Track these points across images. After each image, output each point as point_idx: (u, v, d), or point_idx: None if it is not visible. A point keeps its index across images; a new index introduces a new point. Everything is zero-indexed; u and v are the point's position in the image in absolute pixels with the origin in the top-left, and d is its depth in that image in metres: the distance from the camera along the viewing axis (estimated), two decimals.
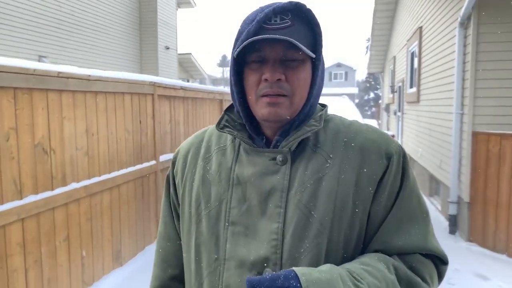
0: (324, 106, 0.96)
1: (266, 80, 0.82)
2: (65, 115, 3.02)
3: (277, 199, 0.83)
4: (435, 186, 6.45)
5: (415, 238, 0.83)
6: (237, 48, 0.81)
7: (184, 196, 0.96)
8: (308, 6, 0.83)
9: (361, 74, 44.92)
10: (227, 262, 0.84)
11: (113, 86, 3.58)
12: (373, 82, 38.13)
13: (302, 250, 0.80)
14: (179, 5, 15.23)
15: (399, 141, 10.51)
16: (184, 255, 0.97)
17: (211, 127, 1.02)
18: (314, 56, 0.82)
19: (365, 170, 0.84)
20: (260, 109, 0.84)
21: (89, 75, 3.23)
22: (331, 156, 0.86)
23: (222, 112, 0.96)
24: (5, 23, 7.64)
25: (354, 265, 0.78)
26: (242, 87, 0.88)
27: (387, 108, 13.87)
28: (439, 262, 0.87)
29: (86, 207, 3.28)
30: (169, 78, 12.74)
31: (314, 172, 0.84)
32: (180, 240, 1.00)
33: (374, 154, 0.85)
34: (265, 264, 0.81)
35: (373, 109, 34.76)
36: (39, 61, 8.40)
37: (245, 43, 0.78)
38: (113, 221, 3.67)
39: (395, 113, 11.66)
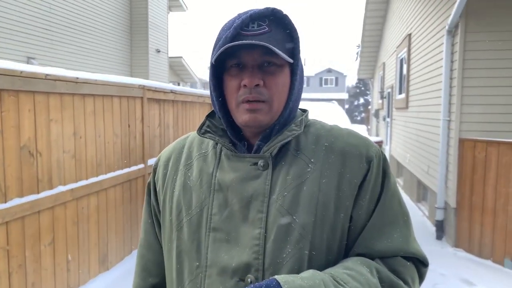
0: (304, 111, 0.96)
1: (245, 85, 0.82)
2: (52, 117, 2.99)
3: (258, 204, 0.83)
4: (423, 191, 6.51)
5: (397, 242, 0.84)
6: (215, 54, 0.81)
7: (165, 203, 0.95)
8: (284, 12, 0.84)
9: (351, 80, 45.23)
10: (209, 269, 0.84)
11: (102, 89, 3.56)
12: (363, 88, 38.45)
13: (284, 256, 0.80)
14: (170, 8, 15.22)
15: (388, 147, 10.60)
16: (165, 262, 0.95)
17: (193, 133, 1.02)
18: (291, 61, 0.83)
19: (346, 174, 0.85)
20: (241, 116, 0.85)
21: (77, 78, 3.21)
22: (312, 160, 0.86)
23: (205, 118, 0.95)
24: None
25: (337, 270, 0.78)
26: (222, 92, 0.89)
27: (376, 114, 13.98)
28: (420, 264, 0.89)
29: (73, 211, 3.25)
30: (160, 81, 12.71)
31: (295, 177, 0.84)
32: (161, 248, 0.99)
33: (355, 158, 0.86)
34: (247, 270, 0.80)
35: (363, 114, 35.03)
36: (27, 62, 8.32)
37: (222, 49, 0.79)
38: (100, 225, 3.63)
39: (384, 119, 11.76)
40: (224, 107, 0.89)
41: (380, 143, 4.95)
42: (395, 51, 9.34)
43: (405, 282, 0.83)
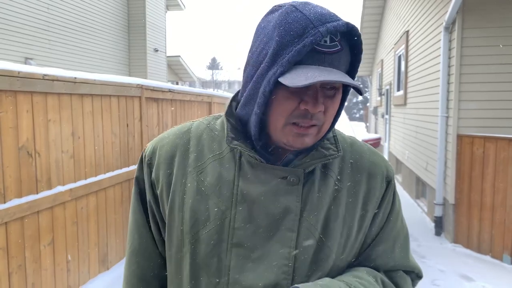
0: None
1: (306, 109, 0.73)
2: (50, 117, 2.99)
3: (290, 223, 0.78)
4: (422, 188, 6.52)
5: (399, 257, 0.89)
6: (285, 71, 0.71)
7: (173, 210, 0.84)
8: (359, 31, 0.75)
9: None
10: (230, 287, 0.79)
11: (100, 88, 3.56)
12: (361, 85, 38.42)
13: (311, 275, 0.80)
14: (168, 7, 15.19)
15: (387, 144, 10.61)
16: (171, 275, 0.87)
17: (195, 124, 0.90)
18: (359, 86, 0.74)
19: (370, 194, 0.85)
20: (286, 136, 0.76)
21: (75, 78, 3.21)
22: (339, 178, 0.84)
23: (223, 117, 0.86)
24: None
25: (348, 278, 0.81)
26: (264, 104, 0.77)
27: (375, 111, 13.99)
28: (415, 276, 0.94)
29: (72, 211, 3.25)
30: (159, 81, 12.70)
31: (324, 195, 0.82)
32: (159, 255, 0.91)
33: (378, 178, 0.87)
34: None
35: (362, 111, 35.04)
36: (25, 63, 8.31)
37: (310, 82, 0.66)
38: (100, 225, 3.64)
39: (382, 116, 11.77)
40: (260, 124, 0.78)
41: (378, 140, 4.96)
42: (393, 48, 9.34)
43: None
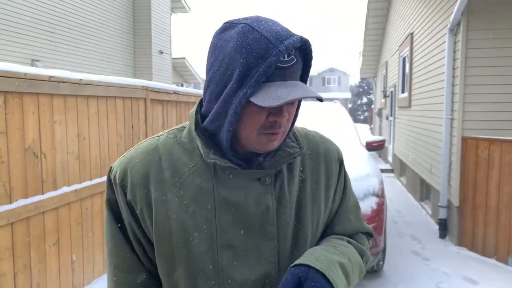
0: None
1: (274, 120, 0.81)
2: (56, 119, 3.02)
3: (270, 219, 0.87)
4: (426, 190, 6.50)
5: (356, 223, 1.04)
6: (253, 92, 0.77)
7: (159, 230, 0.86)
8: (310, 44, 0.83)
9: (354, 79, 45.16)
10: (227, 285, 0.86)
11: (105, 90, 3.58)
12: (366, 87, 38.36)
13: (293, 259, 0.88)
14: (173, 10, 15.26)
15: (391, 146, 10.59)
16: (167, 285, 0.91)
17: (161, 140, 0.92)
18: (322, 98, 0.83)
19: (329, 177, 0.99)
20: (259, 144, 0.84)
21: (81, 79, 3.24)
22: (301, 169, 0.95)
23: (188, 130, 0.91)
24: None
25: (327, 243, 0.94)
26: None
27: (379, 113, 13.96)
28: (368, 236, 1.09)
29: (77, 211, 3.28)
30: (164, 82, 12.75)
31: (292, 188, 0.92)
32: (144, 269, 0.92)
33: (332, 162, 1.01)
34: (265, 280, 0.87)
35: (366, 113, 34.97)
36: (31, 65, 8.38)
37: (280, 103, 0.74)
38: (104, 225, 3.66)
39: (387, 118, 11.74)
40: (231, 136, 0.85)
41: (382, 142, 4.95)
42: (398, 50, 9.33)
43: (365, 248, 1.05)
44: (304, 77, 0.86)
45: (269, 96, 0.76)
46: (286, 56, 0.78)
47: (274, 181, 0.88)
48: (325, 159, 0.99)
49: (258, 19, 0.81)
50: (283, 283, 0.80)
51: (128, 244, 0.91)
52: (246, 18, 0.82)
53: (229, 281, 0.85)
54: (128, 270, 0.92)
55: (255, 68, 0.76)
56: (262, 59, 0.76)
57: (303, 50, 0.83)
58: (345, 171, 1.03)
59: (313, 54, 0.85)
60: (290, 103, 0.83)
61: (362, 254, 1.01)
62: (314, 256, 0.84)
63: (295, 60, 0.80)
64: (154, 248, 0.89)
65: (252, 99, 0.77)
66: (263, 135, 0.83)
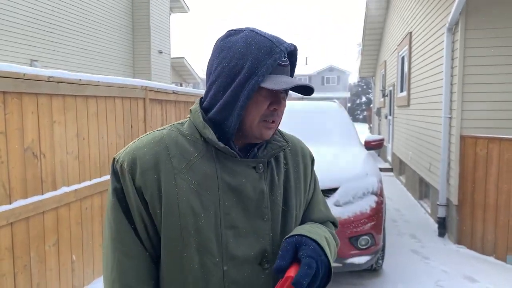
0: None
1: (275, 109, 0.98)
2: (55, 119, 3.02)
3: (265, 201, 1.01)
4: (425, 189, 6.51)
5: (326, 212, 1.21)
6: (259, 78, 0.93)
7: (168, 211, 0.93)
8: (297, 49, 1.03)
9: (353, 78, 45.16)
10: (230, 262, 0.97)
11: (104, 90, 3.59)
12: (365, 86, 38.38)
13: (284, 236, 1.03)
14: (172, 9, 15.25)
15: (390, 145, 10.60)
16: (169, 266, 0.97)
17: (165, 132, 1.01)
18: (308, 96, 1.03)
19: (305, 170, 1.15)
20: (259, 130, 0.99)
21: (80, 79, 3.24)
22: (285, 162, 1.11)
23: (189, 123, 1.03)
24: None
25: (309, 225, 1.09)
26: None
27: (378, 112, 13.97)
28: (334, 226, 1.25)
29: (77, 211, 3.28)
30: (163, 82, 12.74)
31: (280, 177, 1.07)
32: (148, 256, 0.99)
33: (307, 157, 1.18)
34: (263, 255, 1.00)
35: (365, 113, 34.97)
36: (30, 65, 8.37)
37: (288, 86, 0.92)
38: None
39: (386, 117, 11.76)
40: (238, 122, 0.99)
41: (381, 141, 4.96)
42: (396, 49, 9.34)
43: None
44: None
45: (278, 82, 0.93)
46: (283, 57, 0.96)
47: (266, 169, 1.04)
48: (302, 155, 1.16)
49: (255, 29, 0.99)
50: (282, 249, 0.93)
51: (133, 230, 0.97)
52: (247, 27, 1.00)
53: (232, 258, 0.97)
54: (132, 255, 0.97)
55: (263, 62, 0.93)
56: (268, 55, 0.94)
57: (292, 54, 1.03)
58: (313, 167, 1.22)
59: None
60: (283, 98, 1.00)
61: (334, 237, 1.17)
62: (305, 230, 0.98)
63: (287, 61, 0.99)
64: (162, 232, 0.95)
65: (263, 85, 0.92)
66: (264, 122, 0.98)
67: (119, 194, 0.97)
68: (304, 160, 1.16)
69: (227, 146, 0.97)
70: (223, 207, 0.96)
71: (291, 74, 1.04)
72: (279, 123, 1.03)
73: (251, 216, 0.99)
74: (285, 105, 1.01)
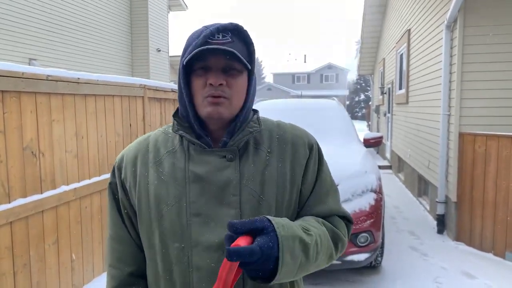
0: (255, 111, 1.15)
1: (210, 84, 0.98)
2: (54, 118, 3.02)
3: (232, 189, 1.00)
4: (424, 186, 6.52)
5: (331, 205, 1.11)
6: (187, 57, 0.97)
7: (140, 198, 1.04)
8: (245, 28, 1.02)
9: (352, 76, 45.14)
10: (195, 248, 0.99)
11: (103, 88, 3.58)
12: (363, 84, 38.39)
13: None
14: (170, 7, 15.22)
15: (389, 142, 10.61)
16: (146, 251, 1.06)
17: (153, 133, 1.14)
18: (250, 67, 1.00)
19: (296, 159, 1.08)
20: (205, 108, 1.00)
21: (78, 78, 3.24)
22: (269, 150, 1.08)
23: (172, 121, 1.09)
24: None
25: (299, 222, 1.00)
26: (189, 91, 1.03)
27: (377, 110, 13.98)
28: (347, 221, 1.15)
29: (76, 210, 3.28)
30: (161, 80, 12.73)
31: (258, 165, 1.05)
32: (132, 240, 1.10)
33: (301, 146, 1.10)
34: None
35: (364, 110, 34.99)
36: (29, 64, 8.36)
37: (193, 52, 0.95)
38: (104, 224, 3.67)
39: (384, 115, 11.76)
40: (190, 103, 1.03)
41: (380, 139, 4.97)
42: (395, 46, 9.34)
43: (341, 232, 1.10)
44: (250, 62, 1.02)
45: (192, 52, 0.95)
46: (220, 37, 0.97)
47: (240, 157, 1.03)
48: (292, 143, 1.10)
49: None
50: (242, 221, 0.85)
51: (121, 218, 1.10)
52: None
53: (196, 244, 0.98)
54: (120, 241, 1.10)
55: (191, 44, 0.98)
56: (197, 37, 0.98)
57: (237, 32, 1.01)
58: (319, 156, 1.13)
59: (251, 39, 1.02)
60: (231, 76, 0.99)
61: (336, 238, 1.07)
62: (282, 223, 0.90)
63: (230, 40, 0.98)
64: (138, 219, 1.06)
65: (184, 61, 0.97)
66: (205, 99, 0.99)
67: (113, 187, 1.11)
68: (294, 148, 1.09)
69: (193, 138, 1.02)
70: (189, 195, 1.00)
71: (250, 54, 1.03)
72: (238, 104, 1.03)
73: (217, 204, 0.99)
74: (233, 83, 1.00)
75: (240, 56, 0.96)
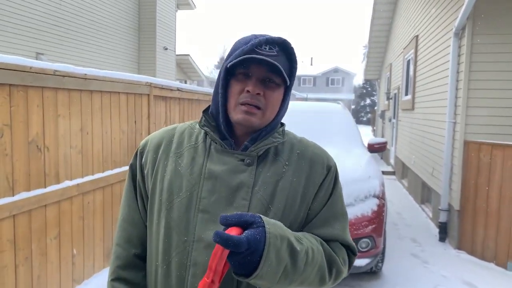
0: (282, 124, 1.17)
1: (248, 91, 1.00)
2: (60, 113, 3.03)
3: (243, 193, 1.01)
4: (427, 193, 6.50)
5: (336, 231, 1.08)
6: (232, 61, 0.99)
7: (155, 184, 1.07)
8: (292, 45, 1.04)
9: (358, 80, 45.05)
10: (196, 243, 0.99)
11: (109, 85, 3.60)
12: (369, 89, 38.29)
13: None
14: (178, 6, 15.26)
15: (393, 148, 10.57)
16: (150, 236, 1.08)
17: (180, 125, 1.17)
18: (288, 83, 1.03)
19: (311, 176, 1.08)
20: (237, 114, 1.02)
21: (85, 74, 3.25)
22: (287, 163, 1.08)
23: (201, 117, 1.11)
24: (2, 19, 7.64)
25: (295, 232, 1.00)
26: (225, 93, 1.05)
27: (382, 115, 13.94)
28: (351, 252, 1.12)
29: (79, 205, 3.29)
30: (167, 79, 12.75)
31: (273, 175, 1.05)
32: (143, 224, 1.12)
33: (319, 165, 1.11)
34: None
35: (369, 115, 34.90)
36: (36, 58, 8.40)
37: (240, 58, 0.97)
38: (106, 220, 3.68)
39: (390, 120, 11.73)
40: (223, 105, 1.05)
41: (384, 144, 4.96)
42: (402, 52, 9.31)
43: (339, 259, 1.07)
44: (290, 78, 1.05)
45: (237, 59, 0.98)
46: (267, 48, 1.00)
47: (257, 164, 1.04)
48: (311, 161, 1.10)
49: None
50: (234, 213, 0.87)
51: (135, 201, 1.13)
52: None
53: (198, 240, 0.99)
54: (130, 222, 1.13)
55: (239, 49, 1.01)
56: (245, 44, 1.01)
57: (284, 47, 1.03)
58: (335, 179, 1.12)
59: (297, 57, 1.05)
60: (269, 88, 1.02)
61: (331, 262, 1.04)
62: (273, 222, 0.91)
63: (276, 54, 1.01)
64: (148, 204, 1.09)
65: (228, 65, 0.99)
66: (240, 105, 1.01)
67: (133, 169, 1.14)
68: (312, 165, 1.09)
69: (217, 137, 1.05)
70: (201, 191, 1.01)
71: (291, 70, 1.05)
72: (270, 116, 1.05)
73: (226, 205, 1.00)
74: (270, 95, 1.02)
75: (282, 69, 0.98)
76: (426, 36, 6.71)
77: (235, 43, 1.06)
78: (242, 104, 1.01)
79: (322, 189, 1.09)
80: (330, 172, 1.11)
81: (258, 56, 0.97)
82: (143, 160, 1.11)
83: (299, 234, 1.00)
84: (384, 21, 12.10)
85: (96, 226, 3.54)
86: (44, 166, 2.89)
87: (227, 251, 0.82)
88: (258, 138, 1.06)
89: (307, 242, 0.98)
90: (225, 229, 0.85)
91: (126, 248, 1.12)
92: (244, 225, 0.86)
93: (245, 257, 0.83)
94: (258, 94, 1.00)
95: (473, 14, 4.47)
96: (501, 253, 4.24)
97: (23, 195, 2.68)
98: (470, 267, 4.20)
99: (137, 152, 1.14)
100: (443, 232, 5.00)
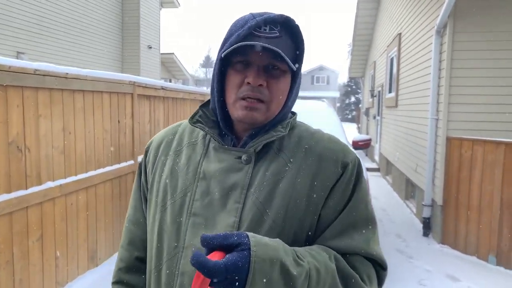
0: (294, 113, 1.02)
1: (248, 83, 0.87)
2: (41, 113, 2.98)
3: (237, 195, 0.88)
4: (411, 189, 6.58)
5: (357, 241, 0.88)
6: (227, 49, 0.85)
7: (153, 184, 1.01)
8: (296, 22, 0.88)
9: (343, 78, 45.37)
10: (185, 250, 0.89)
11: (92, 84, 3.55)
12: (354, 86, 38.61)
13: None
14: (162, 4, 15.14)
15: (377, 145, 10.69)
16: (147, 239, 1.01)
17: (185, 121, 1.07)
18: (295, 68, 0.87)
19: (320, 176, 0.90)
20: (237, 111, 0.90)
21: (67, 73, 3.20)
22: (291, 160, 0.92)
23: (197, 112, 1.00)
24: None
25: (299, 248, 0.83)
26: (222, 85, 0.92)
27: (367, 112, 14.08)
28: (379, 267, 0.92)
29: (61, 207, 3.24)
30: (152, 78, 12.65)
31: (273, 174, 0.90)
32: (146, 225, 1.05)
33: (331, 162, 0.91)
34: None
35: (354, 113, 35.20)
36: (17, 57, 8.23)
37: (235, 45, 0.83)
38: (89, 221, 3.63)
39: (374, 117, 11.85)
40: (221, 100, 0.94)
41: (368, 141, 5.00)
42: (386, 50, 9.41)
43: (361, 278, 0.86)
44: (297, 61, 0.90)
45: (233, 46, 0.84)
46: (267, 29, 0.86)
47: (255, 162, 0.91)
48: (320, 157, 0.92)
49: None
50: (216, 234, 0.72)
51: (140, 201, 1.08)
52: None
53: (187, 246, 0.89)
54: (135, 223, 1.08)
55: (234, 34, 0.87)
56: (242, 27, 0.87)
57: (291, 30, 0.89)
58: (356, 179, 0.92)
59: (302, 36, 0.90)
60: (273, 77, 0.88)
61: (348, 283, 0.83)
62: (264, 242, 0.74)
63: (278, 34, 0.86)
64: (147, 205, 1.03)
65: (223, 54, 0.86)
66: (240, 100, 0.88)
67: (140, 168, 1.08)
68: (321, 163, 0.91)
69: (215, 134, 0.94)
70: (194, 193, 0.91)
71: (297, 50, 0.91)
72: (276, 109, 0.91)
73: (217, 208, 0.88)
74: (274, 85, 0.88)
75: (286, 57, 0.83)
76: (409, 34, 6.79)
77: (231, 26, 0.91)
78: (243, 98, 0.88)
79: (337, 191, 0.89)
80: (346, 170, 0.91)
81: (257, 43, 0.82)
82: (146, 159, 1.06)
83: (304, 250, 0.82)
84: (368, 19, 12.20)
85: (79, 228, 3.49)
86: (25, 167, 2.83)
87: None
88: (260, 133, 0.93)
89: (311, 261, 0.79)
90: (207, 238, 0.72)
91: (129, 250, 1.07)
92: (229, 248, 0.71)
93: (226, 287, 0.69)
94: (260, 85, 0.87)
95: (454, 12, 4.53)
96: (482, 247, 4.32)
97: (4, 196, 2.63)
98: (453, 261, 4.28)
99: (145, 150, 1.09)
100: (427, 227, 5.07)
